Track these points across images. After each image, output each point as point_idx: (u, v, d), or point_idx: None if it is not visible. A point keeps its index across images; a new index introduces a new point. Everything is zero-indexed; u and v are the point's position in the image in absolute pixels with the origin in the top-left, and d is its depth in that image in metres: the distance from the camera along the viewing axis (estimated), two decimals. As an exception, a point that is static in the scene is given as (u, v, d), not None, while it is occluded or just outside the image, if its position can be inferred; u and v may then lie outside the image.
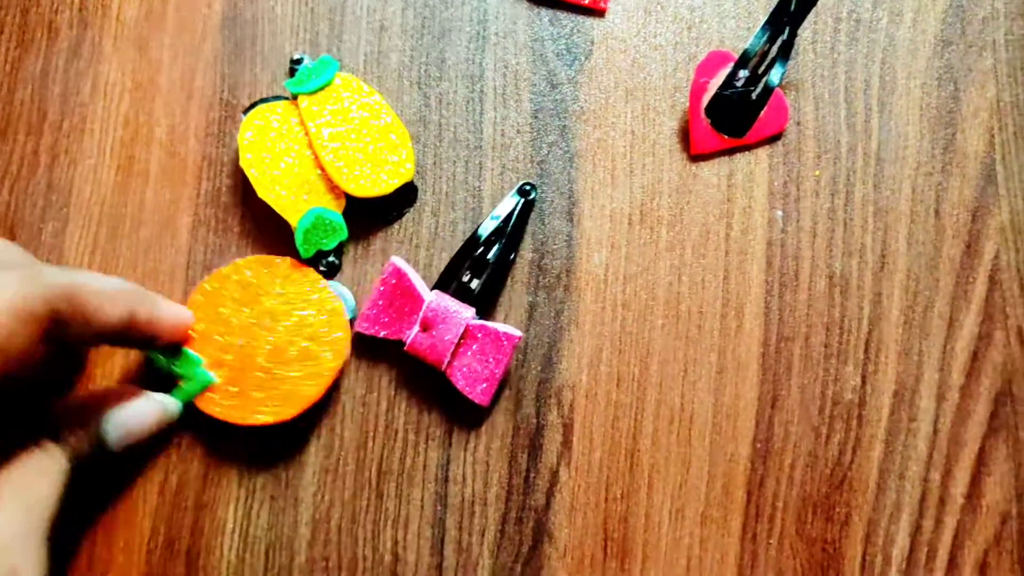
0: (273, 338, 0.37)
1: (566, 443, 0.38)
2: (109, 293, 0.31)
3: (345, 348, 0.37)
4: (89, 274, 0.31)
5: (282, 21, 0.40)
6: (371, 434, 0.38)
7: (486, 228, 0.38)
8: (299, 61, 0.39)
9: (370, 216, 0.39)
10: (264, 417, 0.36)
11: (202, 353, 0.36)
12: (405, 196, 0.39)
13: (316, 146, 0.38)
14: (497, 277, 0.38)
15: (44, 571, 0.29)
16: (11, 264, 0.30)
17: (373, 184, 0.38)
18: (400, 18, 0.41)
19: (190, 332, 0.36)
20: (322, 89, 0.38)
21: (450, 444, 0.38)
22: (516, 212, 0.39)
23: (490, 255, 0.38)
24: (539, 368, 0.38)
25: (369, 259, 0.39)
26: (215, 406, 0.36)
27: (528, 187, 0.39)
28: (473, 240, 0.38)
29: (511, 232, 0.38)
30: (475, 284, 0.38)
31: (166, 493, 0.37)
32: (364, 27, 0.40)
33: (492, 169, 0.40)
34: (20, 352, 0.27)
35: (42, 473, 0.30)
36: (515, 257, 0.39)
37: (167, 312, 0.35)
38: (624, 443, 0.38)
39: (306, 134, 0.38)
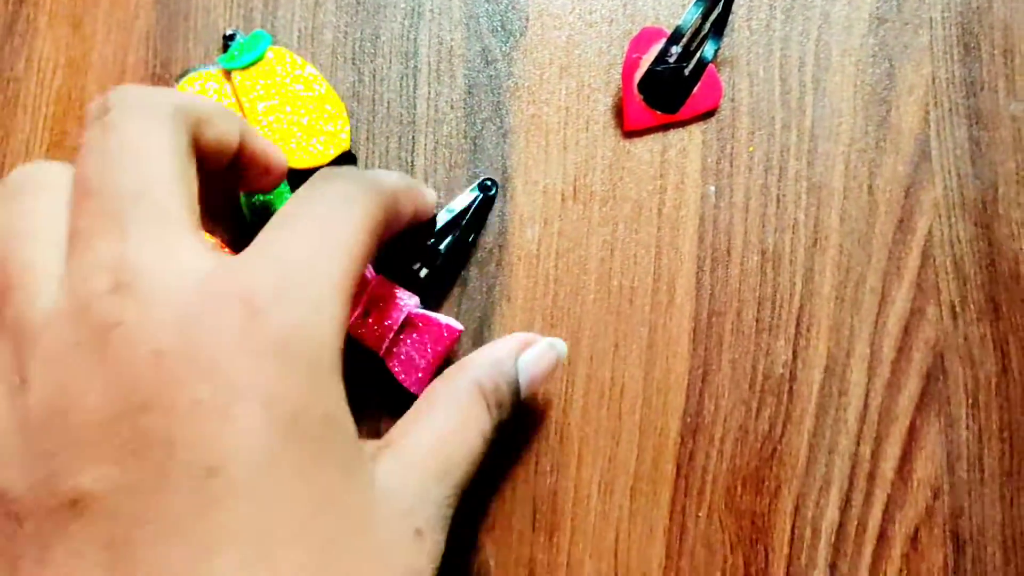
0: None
1: (496, 417, 0.38)
2: (405, 193, 0.29)
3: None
4: (384, 173, 0.30)
5: (216, -3, 0.40)
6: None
7: (441, 219, 0.38)
8: (232, 37, 0.39)
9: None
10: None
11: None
12: (344, 165, 0.39)
13: (251, 120, 0.38)
14: (448, 268, 0.38)
15: (442, 547, 0.25)
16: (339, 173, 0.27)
17: (311, 155, 0.38)
18: (335, -6, 0.41)
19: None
20: (255, 63, 0.38)
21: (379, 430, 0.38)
22: (474, 207, 0.38)
23: (442, 246, 0.38)
24: (471, 344, 0.38)
25: (300, 234, 0.39)
26: None
27: (489, 183, 0.39)
28: (427, 229, 0.38)
29: (467, 225, 0.38)
30: (423, 273, 0.38)
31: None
32: (298, 3, 0.40)
33: (425, 145, 0.40)
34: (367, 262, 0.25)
35: (475, 429, 0.26)
36: (472, 247, 0.39)
37: (430, 197, 0.34)
38: (554, 416, 0.38)
39: (240, 108, 0.38)
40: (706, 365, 0.38)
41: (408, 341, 0.37)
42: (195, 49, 0.40)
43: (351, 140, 0.39)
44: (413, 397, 0.37)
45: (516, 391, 0.30)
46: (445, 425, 0.26)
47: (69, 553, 0.18)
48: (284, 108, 0.38)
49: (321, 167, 0.38)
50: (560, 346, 0.34)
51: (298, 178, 0.38)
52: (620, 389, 0.38)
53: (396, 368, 0.37)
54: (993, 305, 0.39)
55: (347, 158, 0.39)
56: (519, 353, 0.31)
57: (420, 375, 0.37)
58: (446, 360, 0.37)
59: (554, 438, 0.38)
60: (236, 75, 0.38)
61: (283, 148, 0.38)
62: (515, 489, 0.37)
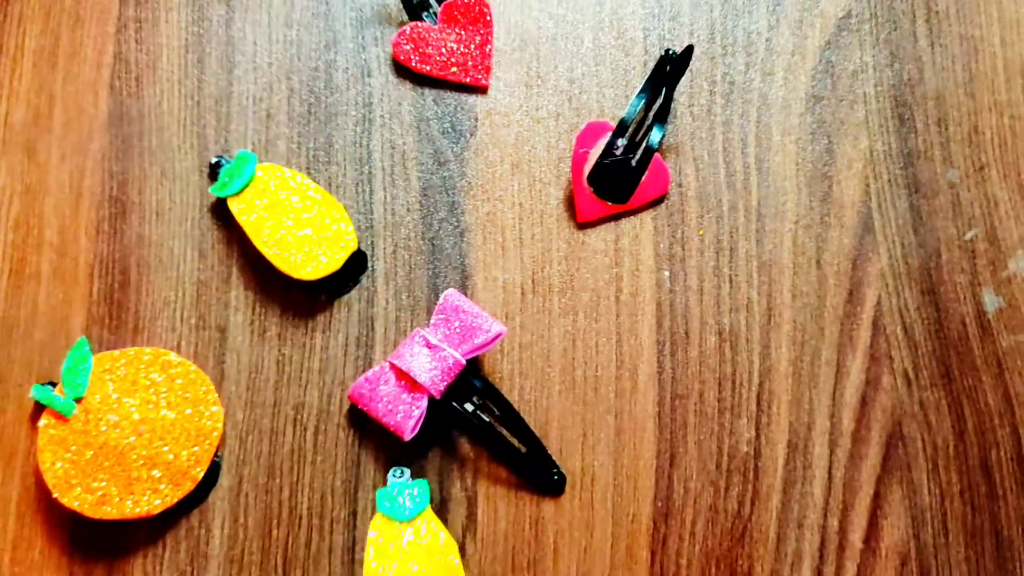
0: (134, 438, 0.37)
1: (470, 516, 0.38)
2: None
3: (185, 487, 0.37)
4: None
5: (168, 116, 0.41)
6: (275, 521, 0.38)
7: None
8: (218, 164, 0.40)
9: (326, 293, 0.39)
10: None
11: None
12: (355, 263, 0.40)
13: (257, 241, 0.38)
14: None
15: None
16: None
17: (322, 263, 0.38)
18: (286, 105, 0.41)
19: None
20: (247, 186, 0.38)
21: (355, 526, 0.38)
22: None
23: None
24: (440, 441, 0.39)
25: (259, 341, 0.39)
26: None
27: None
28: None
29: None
30: (469, 407, 0.38)
31: (68, 598, 0.37)
32: (251, 116, 0.41)
33: (384, 248, 0.41)
34: None
35: None
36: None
37: None
38: (528, 511, 0.38)
39: (244, 231, 0.38)
40: (673, 448, 0.39)
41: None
42: (151, 168, 0.40)
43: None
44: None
45: None
46: None
47: None
48: (285, 223, 0.38)
49: (335, 273, 0.38)
50: None
51: (316, 287, 0.39)
52: (591, 478, 0.39)
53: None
54: (945, 369, 0.40)
55: (358, 257, 0.40)
56: None
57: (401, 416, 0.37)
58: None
59: (529, 533, 0.38)
60: (232, 201, 0.38)
61: (291, 261, 0.38)
62: (493, 587, 0.38)
